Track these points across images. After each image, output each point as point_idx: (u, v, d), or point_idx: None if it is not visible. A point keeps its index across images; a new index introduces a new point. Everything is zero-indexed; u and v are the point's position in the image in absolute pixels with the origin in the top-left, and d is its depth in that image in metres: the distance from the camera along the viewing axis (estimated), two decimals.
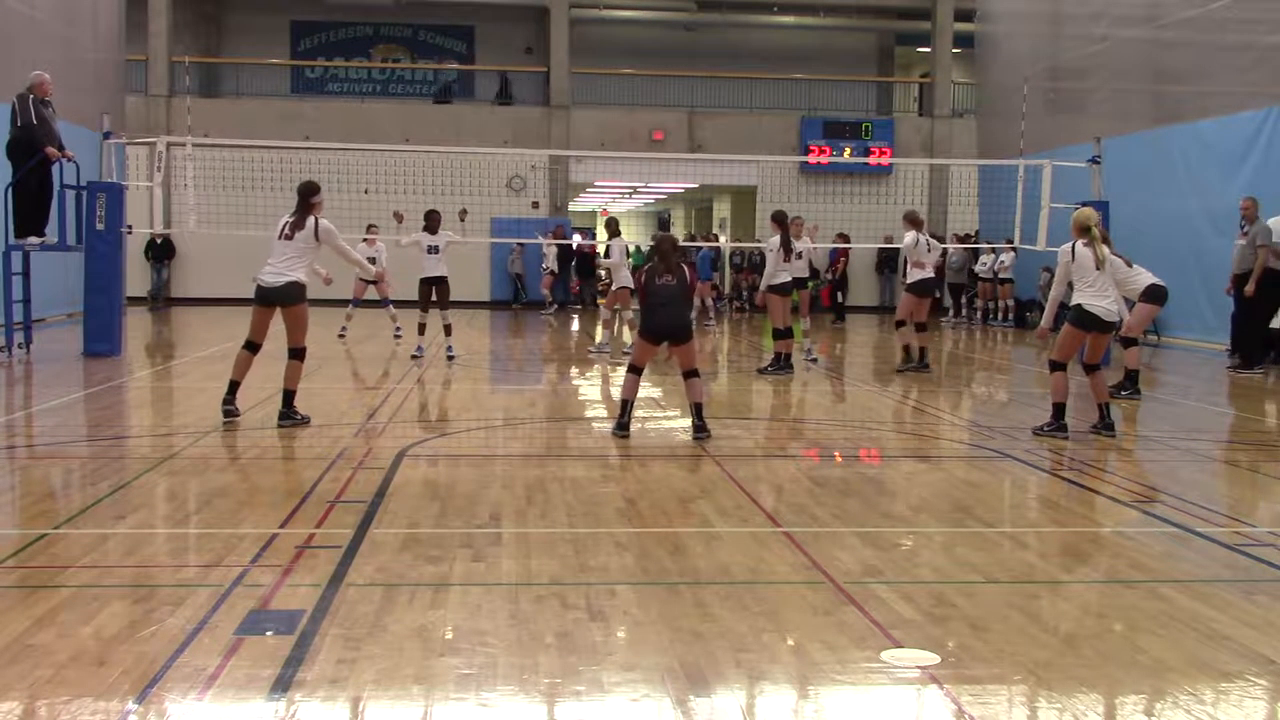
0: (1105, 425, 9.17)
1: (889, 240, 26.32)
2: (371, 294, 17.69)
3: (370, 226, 18.06)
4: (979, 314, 24.60)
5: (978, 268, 24.32)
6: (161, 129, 25.22)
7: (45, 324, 17.14)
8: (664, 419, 10.43)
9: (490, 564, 5.24)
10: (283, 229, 9.07)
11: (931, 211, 29.19)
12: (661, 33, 31.51)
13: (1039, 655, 4.15)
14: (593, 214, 42.41)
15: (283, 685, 3.74)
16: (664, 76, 29.92)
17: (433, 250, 14.51)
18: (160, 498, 6.79)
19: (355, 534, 5.69)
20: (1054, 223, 15.26)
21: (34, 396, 11.13)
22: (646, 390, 12.86)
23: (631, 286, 14.28)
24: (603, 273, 22.24)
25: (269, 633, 4.23)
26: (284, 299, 8.92)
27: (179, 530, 6.03)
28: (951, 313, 25.41)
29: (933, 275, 14.32)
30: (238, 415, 9.14)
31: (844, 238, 24.22)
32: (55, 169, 13.48)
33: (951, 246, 25.11)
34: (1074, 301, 9.17)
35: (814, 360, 15.10)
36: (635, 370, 9.14)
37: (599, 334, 16.66)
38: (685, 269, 9.19)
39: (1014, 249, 19.65)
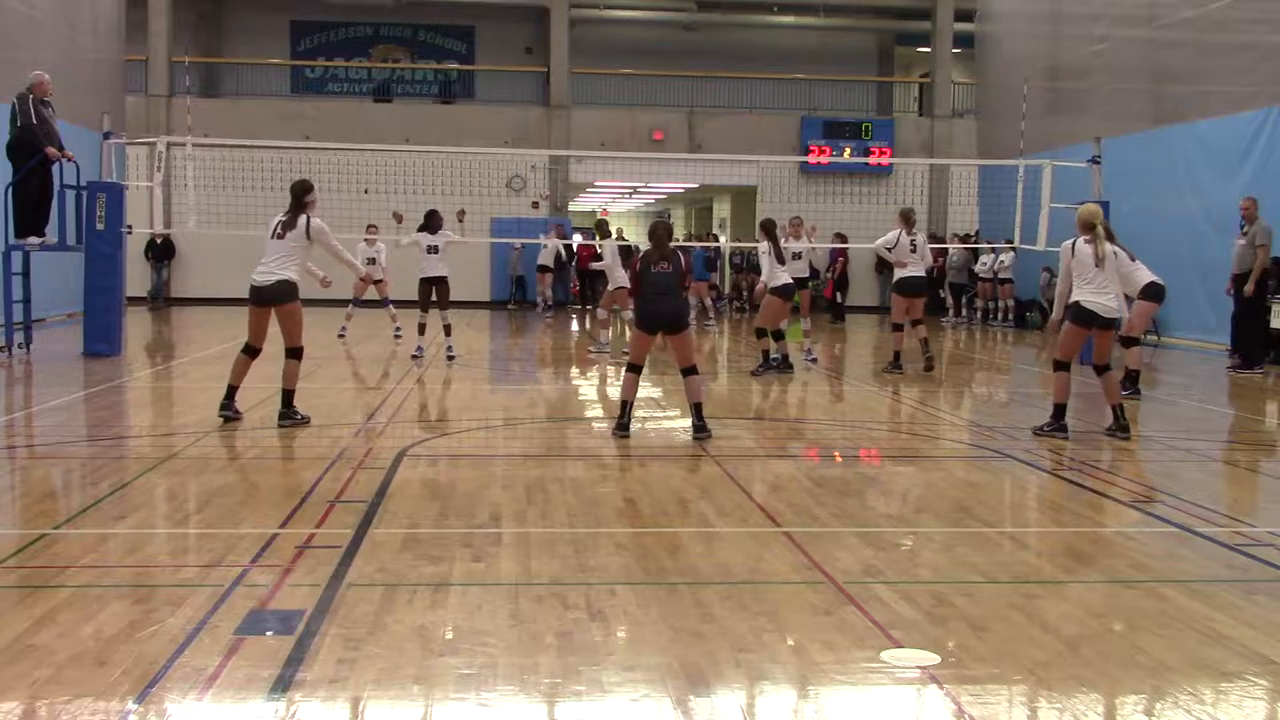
0: (1120, 427, 9.11)
1: None
2: (372, 294, 17.69)
3: (370, 226, 18.06)
4: (979, 314, 24.60)
5: (977, 268, 24.32)
6: (161, 129, 25.22)
7: (45, 324, 17.14)
8: (664, 419, 10.43)
9: (490, 564, 5.24)
10: (275, 228, 9.03)
11: (931, 211, 29.20)
12: (661, 33, 31.51)
13: (1039, 655, 4.15)
14: (593, 214, 42.42)
15: (283, 685, 3.74)
16: (664, 76, 29.91)
17: (432, 250, 14.50)
18: (160, 498, 6.79)
19: (355, 534, 5.69)
20: (1054, 223, 15.26)
21: (34, 396, 11.13)
22: (646, 390, 12.86)
23: (629, 285, 14.28)
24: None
25: (269, 633, 4.23)
26: (276, 297, 8.89)
27: (179, 530, 6.03)
28: (952, 313, 25.40)
29: (918, 274, 14.00)
30: (237, 418, 9.11)
31: (841, 238, 24.21)
32: (55, 169, 13.48)
33: (952, 247, 25.13)
34: (1073, 299, 9.15)
35: (813, 360, 15.09)
36: (634, 369, 9.11)
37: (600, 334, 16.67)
38: (681, 256, 9.18)
39: (1014, 249, 19.64)
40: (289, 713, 3.57)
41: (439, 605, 4.61)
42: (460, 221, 15.58)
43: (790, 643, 4.26)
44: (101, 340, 13.97)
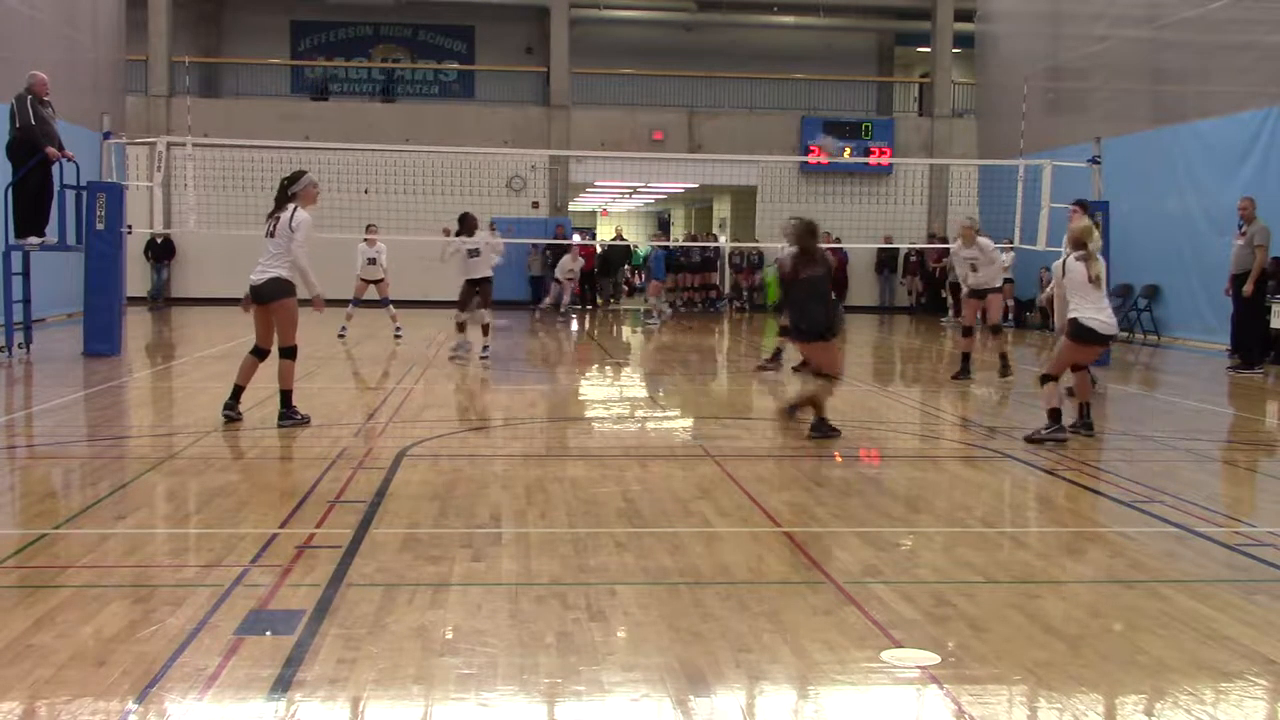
0: (1085, 425, 9.08)
1: (889, 240, 26.36)
2: (372, 294, 17.69)
3: (370, 226, 18.00)
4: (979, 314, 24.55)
5: None
6: (161, 129, 25.20)
7: (45, 324, 17.14)
8: (664, 419, 10.43)
9: (490, 564, 5.24)
10: (268, 228, 8.94)
11: (931, 211, 29.21)
12: (661, 33, 31.51)
13: (1039, 655, 4.15)
14: (593, 214, 42.42)
15: (283, 685, 3.74)
16: (664, 76, 29.92)
17: (473, 253, 14.61)
18: (160, 498, 6.79)
19: (355, 534, 5.69)
20: (1054, 223, 15.26)
21: (34, 396, 11.13)
22: (645, 390, 12.86)
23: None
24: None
25: (269, 633, 4.23)
26: (268, 295, 8.82)
27: (179, 530, 6.03)
28: (951, 313, 25.40)
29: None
30: (238, 419, 9.07)
31: (831, 239, 24.19)
32: (55, 169, 13.47)
33: (953, 247, 25.09)
34: (1070, 315, 8.93)
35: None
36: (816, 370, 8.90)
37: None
38: (830, 258, 8.82)
39: (1014, 249, 19.63)
40: (289, 713, 3.57)
41: (439, 605, 4.61)
42: (492, 230, 15.57)
43: (790, 643, 4.25)
44: (101, 340, 13.97)
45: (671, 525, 6.12)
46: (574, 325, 22.80)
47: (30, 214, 13.39)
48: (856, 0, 30.26)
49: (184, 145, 16.47)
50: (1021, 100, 19.18)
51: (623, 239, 31.63)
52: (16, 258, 13.56)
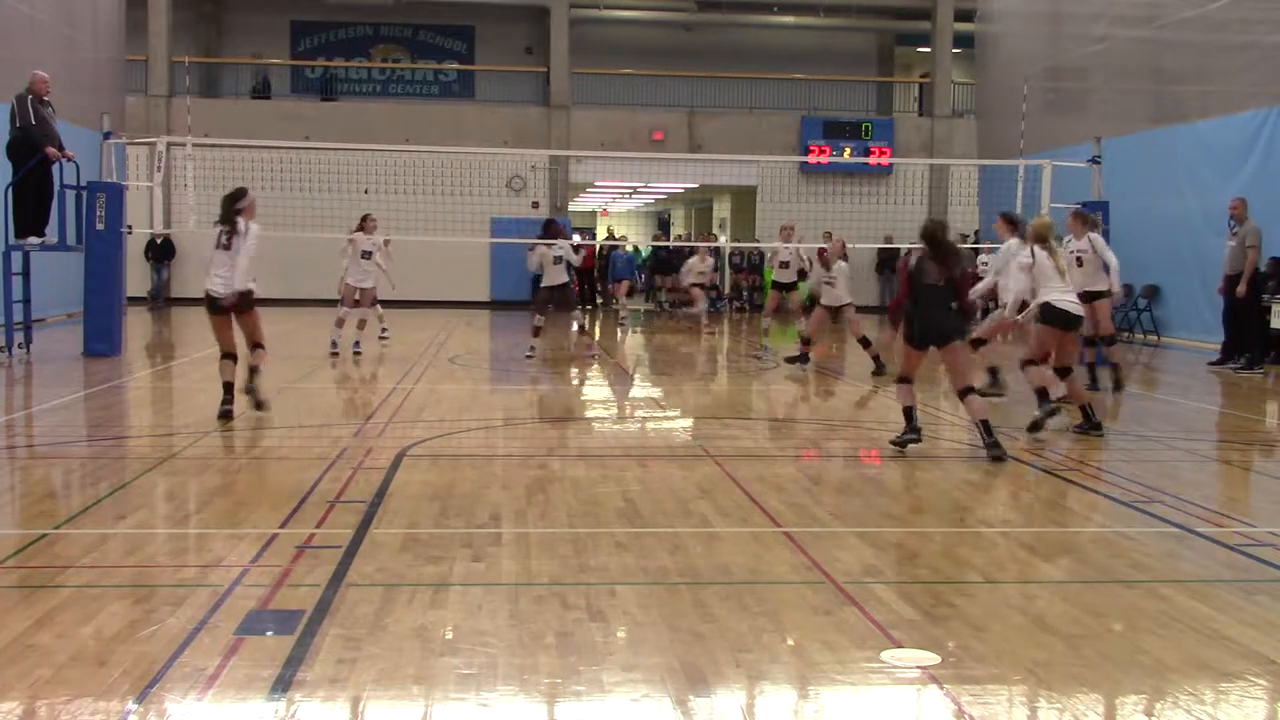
0: (1093, 425, 9.17)
1: (889, 240, 26.34)
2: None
3: (367, 216, 16.06)
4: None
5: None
6: (161, 129, 25.19)
7: (45, 324, 17.13)
8: (664, 419, 10.43)
9: (490, 564, 5.24)
10: (219, 239, 9.37)
11: (932, 211, 29.17)
12: (661, 33, 31.50)
13: (1039, 655, 4.15)
14: (593, 214, 42.40)
15: (283, 685, 3.74)
16: (664, 76, 29.90)
17: (556, 260, 14.60)
18: (160, 498, 6.79)
19: (355, 534, 5.69)
20: (1053, 222, 15.25)
21: (34, 396, 11.13)
22: (644, 390, 12.86)
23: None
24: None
25: (269, 633, 4.23)
26: (236, 309, 9.39)
27: (179, 530, 6.03)
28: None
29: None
30: (232, 417, 9.20)
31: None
32: (55, 169, 13.47)
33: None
34: (1040, 299, 9.11)
35: (759, 357, 15.18)
36: (904, 380, 8.48)
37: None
38: (960, 259, 8.29)
39: None
40: (289, 713, 3.57)
41: (439, 605, 4.61)
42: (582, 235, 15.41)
43: (790, 643, 4.26)
44: (101, 340, 13.97)
45: (671, 525, 6.12)
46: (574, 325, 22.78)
47: (30, 214, 13.39)
48: (856, 0, 30.26)
49: (184, 145, 16.47)
50: (1021, 100, 19.18)
51: (614, 239, 31.56)
52: (16, 258, 13.56)
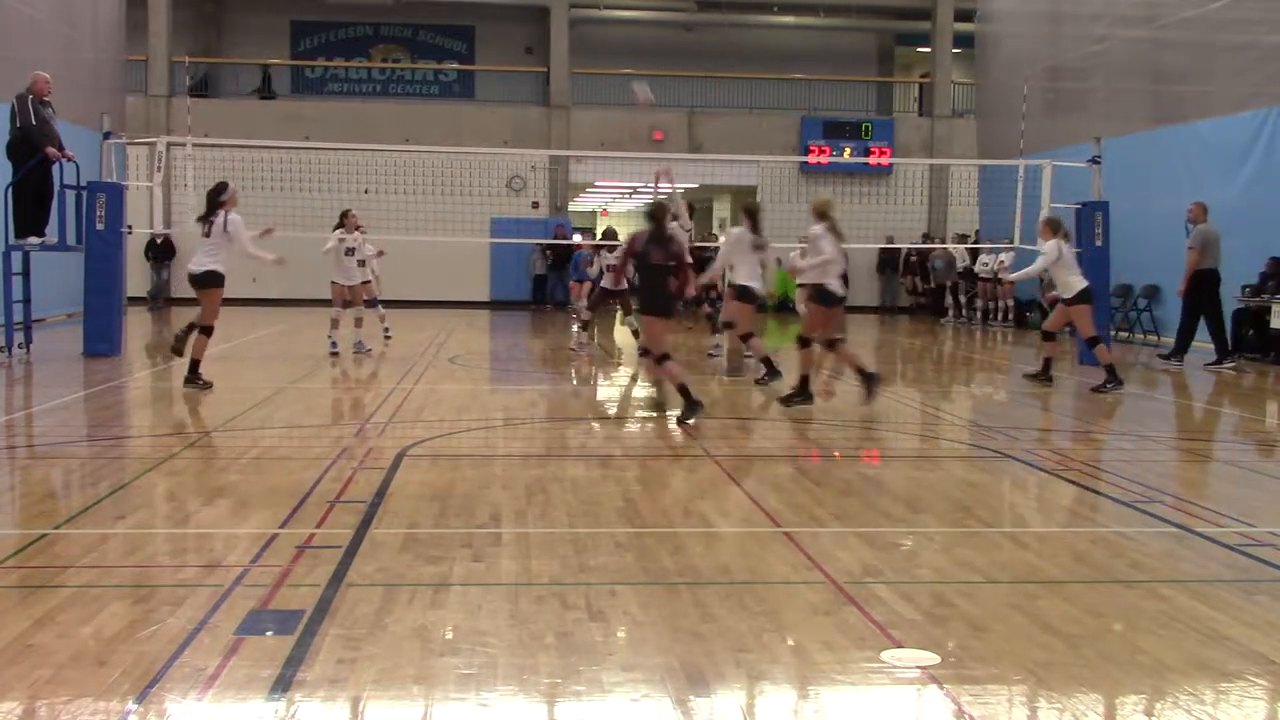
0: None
1: (890, 240, 26.35)
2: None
3: (347, 212, 15.46)
4: (979, 314, 24.60)
5: (977, 268, 24.32)
6: (161, 129, 25.20)
7: (45, 324, 17.14)
8: (663, 419, 10.42)
9: (490, 564, 5.24)
10: (204, 229, 10.85)
11: (932, 211, 29.21)
12: (661, 33, 31.50)
13: (1039, 655, 4.15)
14: (593, 214, 42.38)
15: (283, 685, 3.74)
16: (664, 76, 29.89)
17: (611, 266, 15.15)
18: (160, 498, 6.79)
19: (355, 534, 5.69)
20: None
21: (34, 396, 11.13)
22: (644, 390, 12.86)
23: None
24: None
25: (269, 633, 4.23)
26: (204, 283, 10.83)
27: (179, 530, 6.03)
28: (951, 313, 25.42)
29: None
30: (207, 388, 10.70)
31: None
32: (55, 169, 13.47)
33: (952, 246, 25.12)
34: (816, 280, 10.37)
35: (713, 355, 15.29)
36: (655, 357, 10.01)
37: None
38: (680, 248, 9.78)
39: (1014, 249, 19.65)
40: (289, 713, 3.57)
41: (439, 605, 4.61)
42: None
43: (790, 643, 4.25)
44: (101, 340, 13.96)
45: (671, 525, 6.12)
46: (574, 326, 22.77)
47: (30, 214, 13.39)
48: (856, 0, 30.26)
49: (184, 145, 16.46)
50: (1021, 100, 19.17)
51: (614, 239, 31.52)
52: (16, 258, 13.56)
